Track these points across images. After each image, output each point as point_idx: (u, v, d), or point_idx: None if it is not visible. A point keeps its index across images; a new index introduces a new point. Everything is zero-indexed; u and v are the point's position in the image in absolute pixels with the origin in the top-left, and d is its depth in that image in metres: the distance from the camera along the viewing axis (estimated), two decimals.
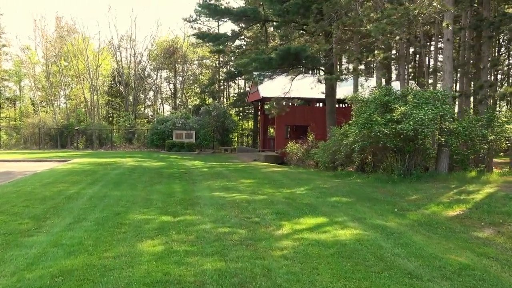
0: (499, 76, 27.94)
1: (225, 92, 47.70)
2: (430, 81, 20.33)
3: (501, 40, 21.12)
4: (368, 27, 12.26)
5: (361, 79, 19.85)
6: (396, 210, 8.93)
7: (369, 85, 16.45)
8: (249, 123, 48.02)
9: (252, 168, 18.47)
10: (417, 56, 30.72)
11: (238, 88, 53.07)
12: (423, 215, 8.41)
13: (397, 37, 13.95)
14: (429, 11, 11.22)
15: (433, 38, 18.31)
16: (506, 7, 17.81)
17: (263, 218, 7.62)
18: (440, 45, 20.10)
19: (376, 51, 14.20)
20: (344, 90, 23.19)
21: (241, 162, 21.98)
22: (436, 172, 12.70)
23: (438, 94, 11.83)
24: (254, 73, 21.03)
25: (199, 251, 5.47)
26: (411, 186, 11.52)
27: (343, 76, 17.45)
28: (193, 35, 27.75)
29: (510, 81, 29.30)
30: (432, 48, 28.87)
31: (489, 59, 13.33)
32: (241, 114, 46.03)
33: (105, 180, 12.69)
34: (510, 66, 27.91)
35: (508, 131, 11.55)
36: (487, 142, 12.06)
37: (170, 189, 11.09)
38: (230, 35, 22.66)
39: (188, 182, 12.77)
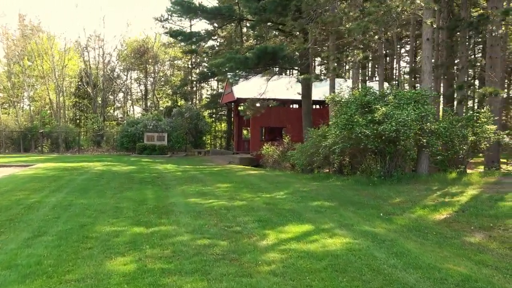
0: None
1: (197, 94, 46.85)
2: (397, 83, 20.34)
3: (478, 40, 21.26)
4: (348, 25, 11.95)
5: (340, 80, 19.60)
6: (381, 214, 8.58)
7: (348, 86, 16.19)
8: (223, 125, 47.34)
9: (228, 171, 17.86)
10: (387, 58, 30.89)
11: (211, 89, 52.25)
12: (411, 220, 8.08)
13: (376, 37, 13.73)
14: (413, 9, 11.00)
15: (408, 39, 18.30)
16: (476, 9, 18.03)
17: (244, 227, 7.06)
18: (411, 46, 20.16)
19: (355, 51, 13.89)
20: (319, 91, 22.94)
21: (216, 165, 21.33)
22: (417, 174, 12.50)
23: (419, 94, 11.62)
24: (229, 73, 20.42)
25: (177, 269, 4.85)
26: (393, 189, 11.24)
27: (322, 76, 17.06)
28: (166, 33, 26.87)
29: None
30: (402, 50, 29.16)
31: (467, 59, 13.32)
32: (214, 116, 45.27)
33: (70, 186, 11.78)
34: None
35: (488, 132, 11.46)
36: (466, 143, 11.95)
37: (142, 196, 10.35)
38: (204, 34, 21.96)
39: (161, 188, 12.05)
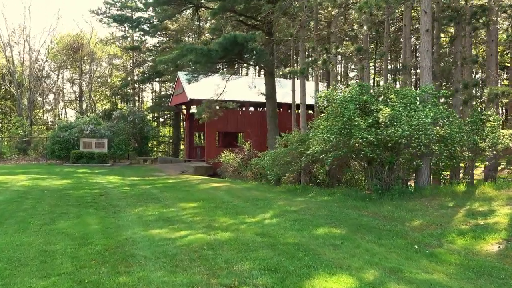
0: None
1: (139, 96, 43.07)
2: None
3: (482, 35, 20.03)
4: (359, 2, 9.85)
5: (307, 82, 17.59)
6: (416, 246, 6.53)
7: (324, 87, 14.18)
8: (167, 130, 43.94)
9: (185, 183, 15.15)
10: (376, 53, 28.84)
11: (152, 92, 48.65)
12: (460, 255, 6.10)
13: (365, 27, 11.91)
14: None
15: (400, 33, 16.80)
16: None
17: (255, 287, 4.61)
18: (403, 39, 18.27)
19: (344, 42, 11.98)
20: (280, 92, 20.92)
21: (168, 176, 18.46)
22: (418, 186, 10.73)
23: (425, 92, 9.85)
24: (187, 69, 17.68)
25: None
26: (399, 206, 9.34)
27: (311, 70, 14.88)
28: (109, 17, 23.29)
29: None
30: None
31: (470, 55, 11.94)
32: (158, 120, 41.78)
33: None
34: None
35: (506, 137, 9.95)
36: (474, 150, 10.38)
37: (83, 227, 7.46)
38: (155, 21, 18.94)
39: (108, 211, 9.16)
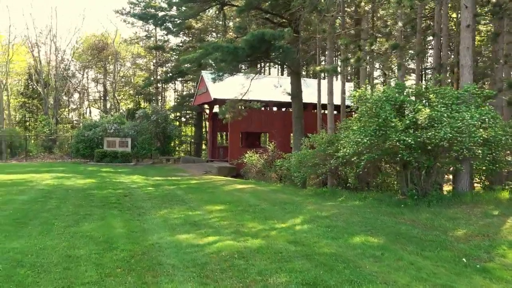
0: None
1: (162, 95, 43.18)
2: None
3: None
4: None
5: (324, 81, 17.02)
6: (464, 260, 5.98)
7: (351, 87, 13.64)
8: (189, 130, 43.91)
9: (209, 184, 14.84)
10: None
11: (175, 91, 48.75)
12: None
13: (400, 24, 11.30)
14: None
15: (429, 31, 16.04)
16: None
17: None
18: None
19: (378, 39, 11.41)
20: (304, 93, 20.38)
21: (191, 176, 18.21)
22: (457, 192, 10.08)
23: (468, 92, 9.21)
24: (210, 68, 17.37)
25: None
26: (438, 213, 8.75)
27: (348, 68, 14.26)
28: (133, 16, 23.22)
29: None
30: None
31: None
32: (180, 119, 41.78)
33: (2, 214, 8.38)
34: None
35: None
36: None
37: (107, 230, 7.18)
38: (177, 20, 18.68)
39: (133, 214, 8.89)
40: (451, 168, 10.08)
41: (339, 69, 15.23)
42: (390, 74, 31.29)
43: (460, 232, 7.45)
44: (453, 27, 15.09)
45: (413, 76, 41.23)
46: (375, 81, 32.08)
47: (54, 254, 5.66)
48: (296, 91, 17.61)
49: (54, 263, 5.26)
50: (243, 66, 20.94)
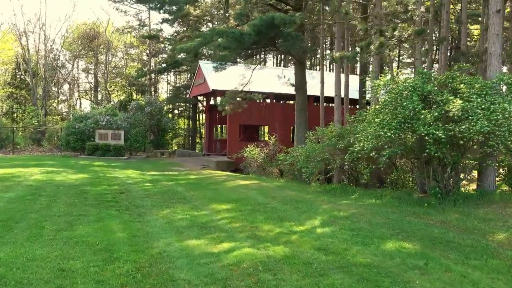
0: None
1: (155, 87, 41.99)
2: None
3: None
4: None
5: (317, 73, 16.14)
6: None
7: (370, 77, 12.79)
8: (182, 122, 42.79)
9: (210, 180, 13.97)
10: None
11: (168, 83, 47.57)
12: None
13: (422, 8, 10.47)
14: None
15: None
16: None
17: None
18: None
19: (400, 25, 10.52)
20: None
21: (189, 171, 17.31)
22: (484, 190, 9.36)
23: (502, 81, 8.44)
24: (209, 58, 16.40)
25: None
26: (468, 214, 8.03)
27: (366, 55, 13.26)
28: None
29: None
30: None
31: None
32: (172, 111, 40.65)
33: None
34: None
35: None
36: None
37: (106, 235, 6.29)
38: (176, 6, 17.57)
39: (132, 214, 8.00)
40: (476, 165, 9.33)
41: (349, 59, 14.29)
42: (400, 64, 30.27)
43: (501, 236, 6.72)
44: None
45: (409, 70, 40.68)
46: (386, 70, 31.21)
47: (45, 267, 4.75)
48: (301, 82, 16.75)
49: (45, 280, 4.37)
50: (239, 59, 19.96)
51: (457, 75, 8.86)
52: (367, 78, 12.93)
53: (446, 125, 7.87)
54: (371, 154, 9.25)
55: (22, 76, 35.61)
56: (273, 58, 39.79)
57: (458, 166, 8.84)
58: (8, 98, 37.52)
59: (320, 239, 6.34)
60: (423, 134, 7.87)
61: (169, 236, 6.33)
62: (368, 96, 20.49)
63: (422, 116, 7.86)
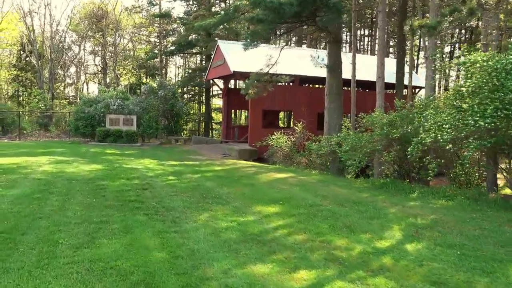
0: None
1: (166, 70, 40.30)
2: None
3: None
4: None
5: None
6: None
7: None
8: (194, 107, 41.16)
9: (240, 172, 12.42)
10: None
11: (177, 67, 45.85)
12: None
13: None
14: None
15: None
16: None
17: None
18: None
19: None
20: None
21: (211, 161, 15.77)
22: None
23: None
24: (236, 34, 14.70)
25: None
26: None
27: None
28: None
29: None
30: None
31: None
32: (183, 96, 39.01)
33: None
34: None
35: None
36: None
37: (141, 257, 4.77)
38: None
39: (165, 220, 6.48)
40: None
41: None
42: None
43: None
44: None
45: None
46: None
47: None
48: (335, 63, 15.03)
49: None
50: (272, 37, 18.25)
51: None
52: (435, 57, 11.21)
53: None
54: (447, 147, 7.62)
55: (27, 58, 34.08)
56: (292, 40, 37.81)
57: None
58: (13, 80, 36.06)
59: (424, 265, 4.79)
60: None
61: (223, 257, 4.81)
62: (407, 80, 18.78)
63: None
